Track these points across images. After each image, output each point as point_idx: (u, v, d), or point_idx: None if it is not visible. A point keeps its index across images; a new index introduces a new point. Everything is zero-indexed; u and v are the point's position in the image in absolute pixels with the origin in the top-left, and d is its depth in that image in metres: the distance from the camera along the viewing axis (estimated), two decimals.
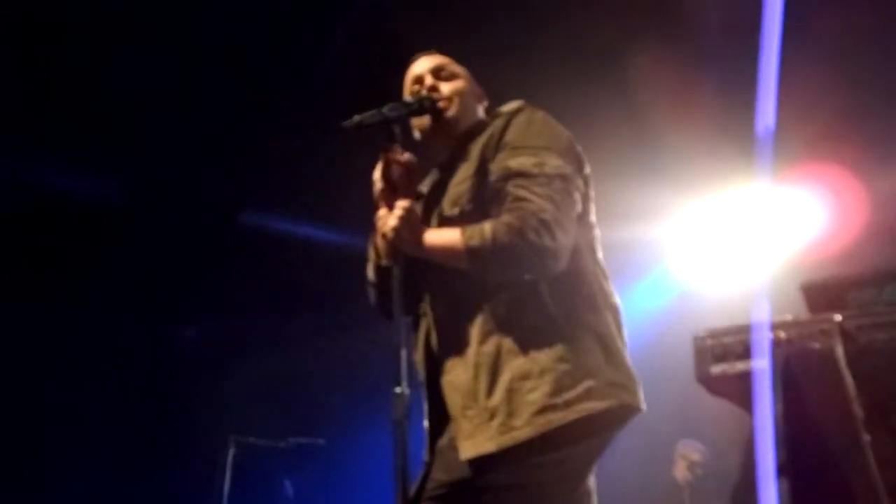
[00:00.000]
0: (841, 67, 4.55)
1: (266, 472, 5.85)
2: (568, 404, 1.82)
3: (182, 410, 6.24)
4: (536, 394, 1.83)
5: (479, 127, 2.14)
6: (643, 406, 1.95)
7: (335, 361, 6.57)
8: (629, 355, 2.00)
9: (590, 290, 1.96)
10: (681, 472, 5.74)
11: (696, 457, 5.72)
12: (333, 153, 5.28)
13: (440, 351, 2.01)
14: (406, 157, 2.06)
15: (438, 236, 1.97)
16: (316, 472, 6.18)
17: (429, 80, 2.19)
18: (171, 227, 5.99)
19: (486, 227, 1.88)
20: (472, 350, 1.93)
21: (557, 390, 1.82)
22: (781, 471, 1.59)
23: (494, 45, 4.24)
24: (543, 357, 1.86)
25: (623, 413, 1.90)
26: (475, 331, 1.93)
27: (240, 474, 5.44)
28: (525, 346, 1.88)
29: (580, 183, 2.00)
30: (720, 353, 1.82)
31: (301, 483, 5.97)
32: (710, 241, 5.92)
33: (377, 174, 2.09)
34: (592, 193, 2.09)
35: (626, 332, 2.02)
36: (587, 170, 2.08)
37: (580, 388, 1.83)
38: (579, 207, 1.98)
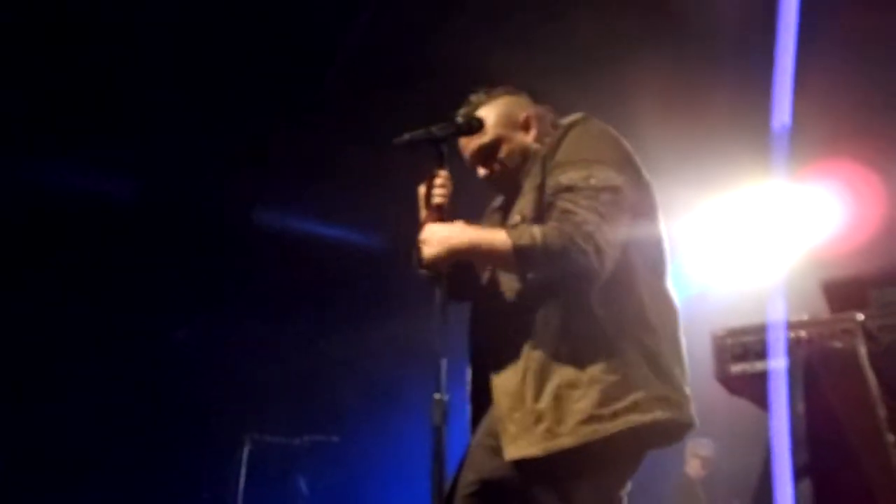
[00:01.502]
0: (858, 62, 4.52)
1: (281, 469, 5.86)
2: (615, 415, 1.85)
3: (198, 408, 6.26)
4: (583, 403, 1.86)
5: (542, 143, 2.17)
6: (694, 422, 1.97)
7: (350, 359, 6.58)
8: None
9: (640, 305, 1.97)
10: (693, 469, 5.77)
11: (705, 452, 5.76)
12: (347, 152, 5.29)
13: (492, 350, 2.05)
14: (447, 180, 2.10)
15: (480, 237, 2.00)
16: (330, 469, 6.19)
17: (481, 173, 2.22)
18: (185, 226, 6.01)
19: (535, 228, 1.92)
20: (522, 354, 1.96)
21: (605, 401, 1.85)
22: (802, 471, 1.58)
23: (509, 40, 4.23)
24: (592, 367, 1.88)
25: (670, 427, 1.92)
26: (527, 336, 1.97)
27: (255, 471, 5.46)
28: (574, 355, 1.91)
29: (632, 193, 2.00)
30: (740, 353, 1.80)
31: (315, 480, 5.99)
32: (726, 239, 5.89)
33: (421, 198, 2.13)
34: (653, 202, 2.12)
35: (682, 347, 2.04)
36: (644, 178, 2.10)
37: (627, 401, 1.86)
38: (625, 216, 1.98)
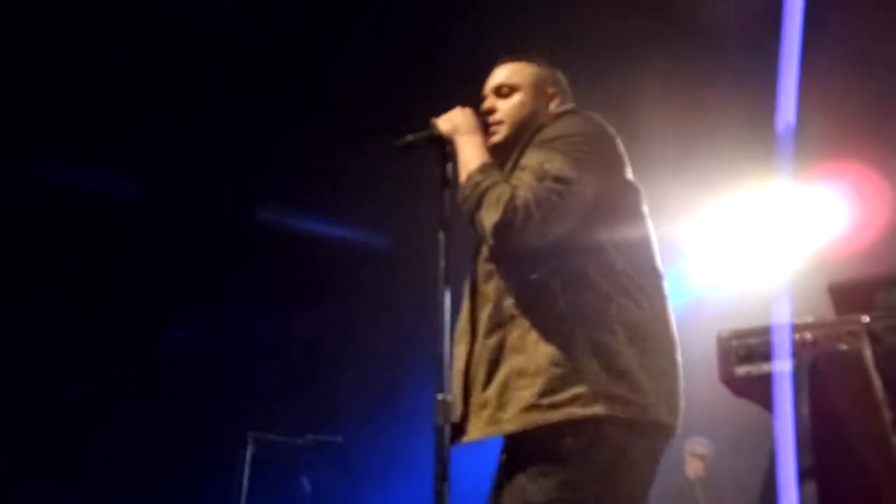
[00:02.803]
0: (864, 62, 4.50)
1: (284, 468, 5.86)
2: (553, 406, 1.85)
3: (201, 407, 6.26)
4: (526, 392, 1.88)
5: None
6: (660, 420, 1.92)
7: (353, 359, 6.58)
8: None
9: (605, 303, 1.94)
10: (692, 469, 5.75)
11: (702, 450, 5.73)
12: (349, 151, 5.29)
13: (463, 337, 2.09)
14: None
15: (466, 150, 2.07)
16: (333, 468, 6.19)
17: (488, 102, 2.23)
18: (188, 225, 6.02)
19: (489, 181, 1.96)
20: (479, 341, 2.01)
21: (546, 392, 1.86)
22: (807, 474, 1.57)
23: (511, 40, 4.21)
24: (540, 357, 1.89)
25: (620, 426, 1.86)
26: (484, 322, 2.00)
27: (258, 471, 5.46)
28: (525, 344, 1.92)
29: (599, 193, 1.98)
30: (745, 355, 1.79)
31: (319, 479, 5.99)
32: (731, 241, 5.87)
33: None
34: (637, 204, 2.09)
35: (658, 351, 1.99)
36: (629, 181, 2.08)
37: (568, 393, 1.85)
38: (574, 213, 1.95)
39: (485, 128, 2.18)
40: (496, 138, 2.18)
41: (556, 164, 1.93)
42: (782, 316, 1.84)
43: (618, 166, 2.07)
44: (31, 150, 5.32)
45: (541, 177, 1.91)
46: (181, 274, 6.24)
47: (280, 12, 4.60)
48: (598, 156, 2.01)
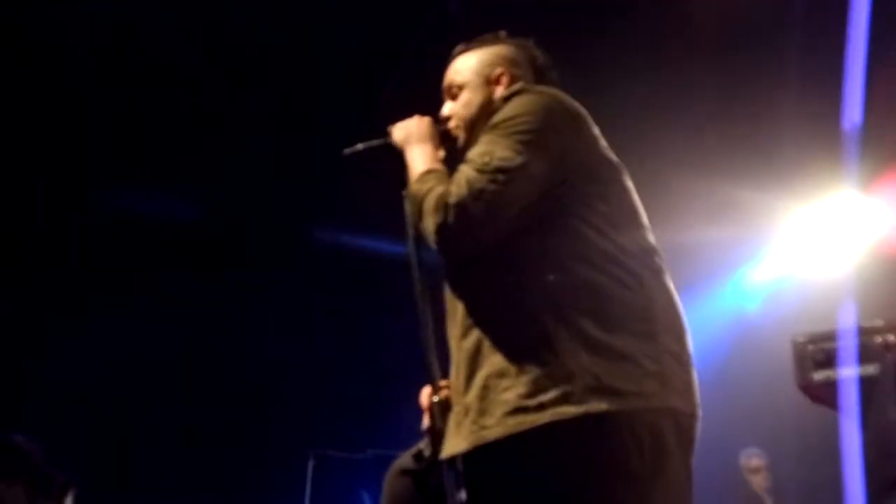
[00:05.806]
0: None
1: (345, 483, 5.87)
2: (541, 407, 1.69)
3: (261, 424, 6.31)
4: (510, 393, 1.73)
5: None
6: (654, 405, 1.71)
7: (412, 373, 6.58)
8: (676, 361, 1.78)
9: (575, 285, 1.78)
10: (755, 482, 5.58)
11: (755, 462, 5.55)
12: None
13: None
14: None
15: (415, 157, 1.99)
16: None
17: (444, 109, 2.14)
18: (251, 245, 6.10)
19: (425, 187, 1.89)
20: (455, 344, 1.89)
21: (533, 392, 1.70)
22: None
23: (578, 54, 4.18)
24: (522, 355, 1.75)
25: (616, 419, 1.69)
26: (459, 324, 1.89)
27: (319, 486, 5.48)
28: (504, 342, 1.79)
29: (538, 172, 1.82)
30: (822, 359, 1.72)
31: (379, 494, 5.97)
32: (800, 245, 5.78)
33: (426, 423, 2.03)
34: (602, 168, 1.92)
35: (641, 329, 1.78)
36: (586, 155, 1.90)
37: (556, 392, 1.69)
38: (522, 198, 1.81)
39: (446, 135, 2.09)
40: (458, 143, 2.08)
41: (496, 151, 1.81)
42: (855, 319, 1.76)
43: (576, 139, 1.90)
44: (99, 177, 5.44)
45: (481, 168, 1.80)
46: (240, 293, 6.32)
47: (337, 36, 4.65)
48: (547, 132, 1.85)
